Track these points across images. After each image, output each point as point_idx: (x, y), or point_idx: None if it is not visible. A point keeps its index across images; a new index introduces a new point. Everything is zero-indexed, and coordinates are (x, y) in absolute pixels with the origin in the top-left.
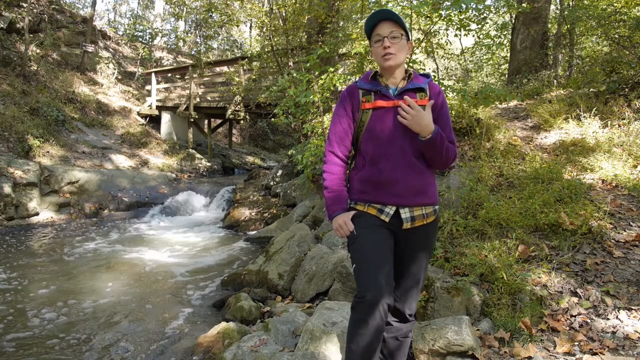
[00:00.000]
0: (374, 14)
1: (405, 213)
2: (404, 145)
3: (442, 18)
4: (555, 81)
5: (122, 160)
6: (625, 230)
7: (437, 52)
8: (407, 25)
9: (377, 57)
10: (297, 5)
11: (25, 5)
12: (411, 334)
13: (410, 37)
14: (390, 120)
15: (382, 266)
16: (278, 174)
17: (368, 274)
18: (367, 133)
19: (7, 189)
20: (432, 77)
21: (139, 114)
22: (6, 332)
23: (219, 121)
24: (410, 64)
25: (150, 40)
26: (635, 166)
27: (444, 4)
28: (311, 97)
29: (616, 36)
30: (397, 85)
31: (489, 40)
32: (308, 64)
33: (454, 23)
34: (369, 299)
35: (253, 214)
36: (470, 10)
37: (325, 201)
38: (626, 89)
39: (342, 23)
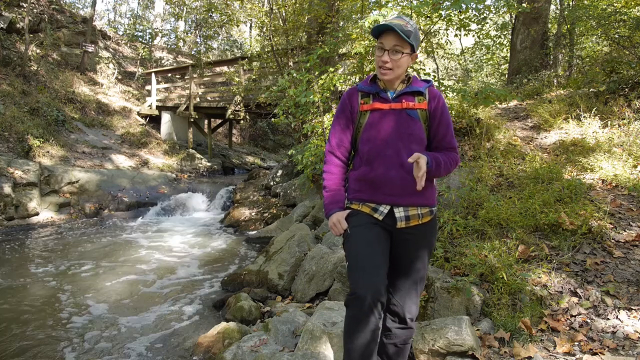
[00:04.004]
0: (381, 24)
1: (399, 212)
2: (399, 146)
3: (442, 18)
4: (555, 81)
5: (122, 160)
6: (625, 230)
7: (437, 52)
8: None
9: (376, 65)
10: (297, 5)
11: (25, 5)
12: (411, 340)
13: (416, 49)
14: (387, 122)
15: (374, 264)
16: (278, 174)
17: (359, 271)
18: (364, 134)
19: (7, 189)
20: (433, 81)
21: (139, 114)
22: (6, 331)
23: (219, 121)
24: (410, 65)
25: (150, 40)
26: (635, 166)
27: (444, 4)
28: (311, 97)
29: (616, 36)
30: (395, 89)
31: (489, 40)
32: (308, 64)
33: (454, 23)
34: (361, 296)
35: (253, 214)
36: (470, 10)
37: (323, 200)
38: (626, 89)
39: (342, 23)
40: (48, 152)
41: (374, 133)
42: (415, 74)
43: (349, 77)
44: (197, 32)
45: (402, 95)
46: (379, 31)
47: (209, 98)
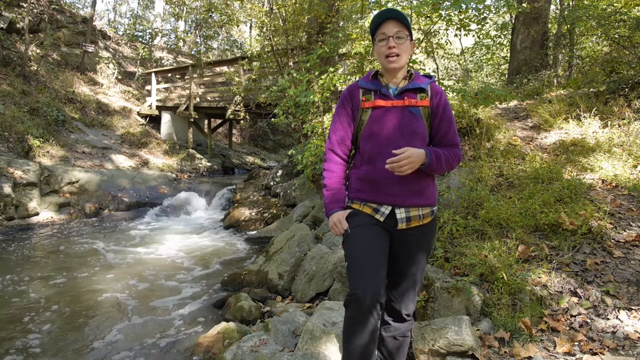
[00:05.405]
0: (381, 12)
1: (400, 213)
2: (401, 145)
3: (442, 18)
4: (555, 81)
5: (122, 160)
6: (625, 230)
7: (437, 52)
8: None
9: (381, 56)
10: (297, 5)
11: (25, 5)
12: (410, 333)
13: (412, 38)
14: (389, 120)
15: (373, 264)
16: (278, 174)
17: (358, 271)
18: (365, 132)
19: (7, 189)
20: (434, 78)
21: (139, 114)
22: (6, 331)
23: (219, 121)
24: (410, 64)
25: (150, 40)
26: (635, 166)
27: (444, 4)
28: (311, 97)
29: (616, 36)
30: (397, 85)
31: (489, 40)
32: (308, 64)
33: (454, 23)
34: (359, 297)
35: (253, 214)
36: (470, 10)
37: (324, 199)
38: (626, 89)
39: (342, 23)
40: (48, 152)
41: (376, 131)
42: None
43: (349, 77)
44: (197, 32)
45: (404, 92)
46: (379, 21)
47: (209, 98)
